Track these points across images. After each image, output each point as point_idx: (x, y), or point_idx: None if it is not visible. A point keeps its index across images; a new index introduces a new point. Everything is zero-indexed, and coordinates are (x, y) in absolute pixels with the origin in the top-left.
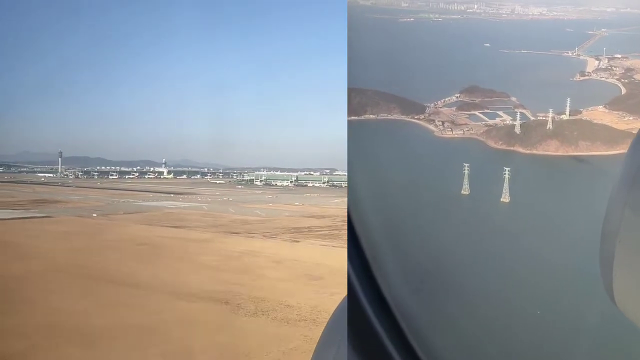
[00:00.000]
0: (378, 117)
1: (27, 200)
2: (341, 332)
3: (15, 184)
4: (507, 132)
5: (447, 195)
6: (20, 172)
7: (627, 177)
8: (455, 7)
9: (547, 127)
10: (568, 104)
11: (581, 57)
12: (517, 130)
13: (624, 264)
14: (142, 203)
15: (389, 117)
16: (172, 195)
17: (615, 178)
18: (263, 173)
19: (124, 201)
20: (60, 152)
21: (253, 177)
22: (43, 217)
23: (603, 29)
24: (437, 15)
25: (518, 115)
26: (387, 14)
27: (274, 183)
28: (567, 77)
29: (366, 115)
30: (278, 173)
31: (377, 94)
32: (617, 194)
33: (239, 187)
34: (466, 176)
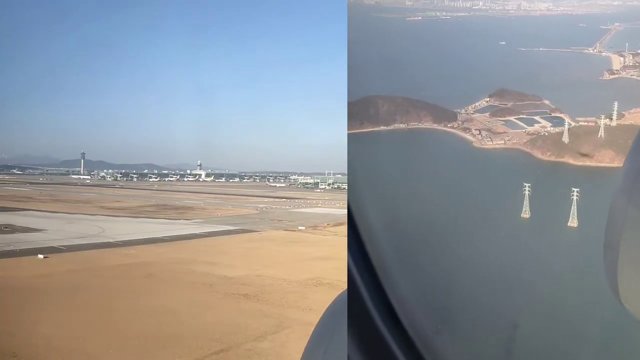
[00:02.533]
0: (387, 126)
1: (149, 206)
2: (332, 328)
3: (70, 186)
4: (555, 142)
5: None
6: (41, 174)
7: (630, 174)
8: (461, 4)
9: (599, 135)
10: (615, 108)
11: (603, 53)
12: (565, 139)
13: (628, 263)
14: (299, 210)
15: (414, 125)
16: (295, 200)
17: (619, 177)
18: (330, 177)
19: (270, 207)
20: (83, 154)
21: (318, 180)
22: (238, 230)
23: (616, 23)
24: (444, 13)
25: (566, 124)
26: (394, 12)
27: (342, 187)
28: (594, 76)
29: (369, 122)
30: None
31: (386, 98)
32: (620, 192)
33: (318, 190)
34: (526, 197)
